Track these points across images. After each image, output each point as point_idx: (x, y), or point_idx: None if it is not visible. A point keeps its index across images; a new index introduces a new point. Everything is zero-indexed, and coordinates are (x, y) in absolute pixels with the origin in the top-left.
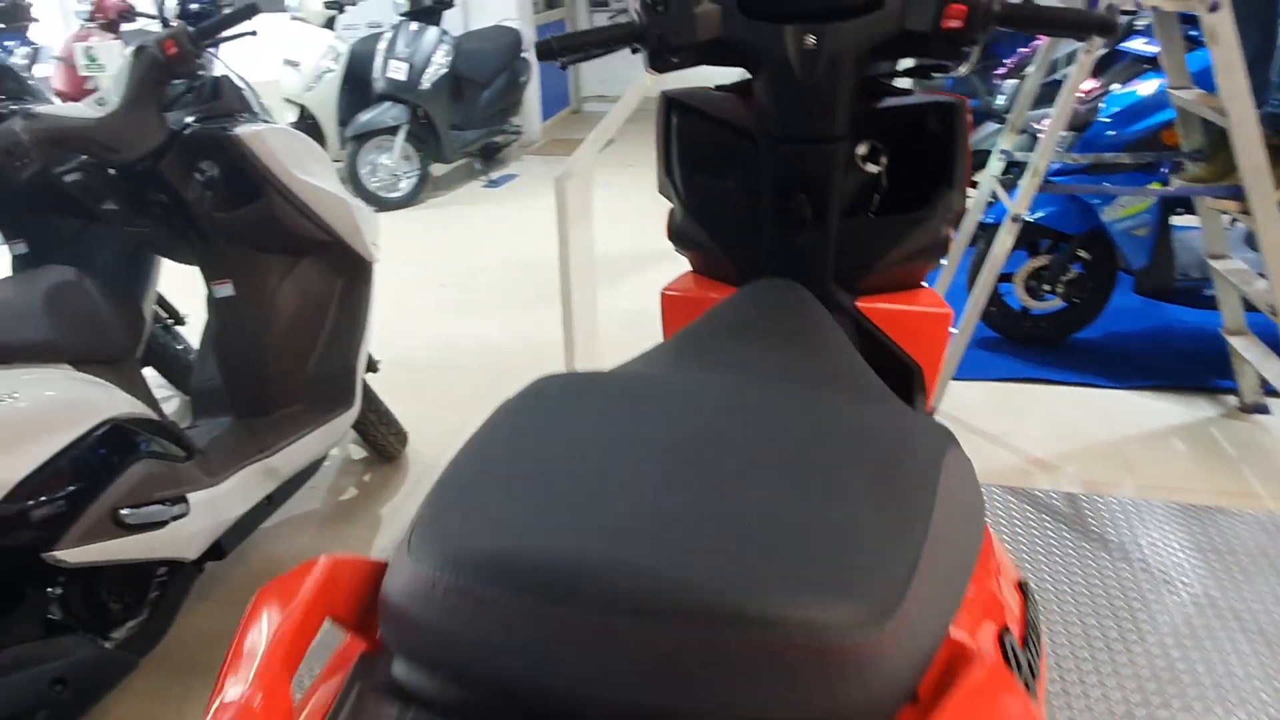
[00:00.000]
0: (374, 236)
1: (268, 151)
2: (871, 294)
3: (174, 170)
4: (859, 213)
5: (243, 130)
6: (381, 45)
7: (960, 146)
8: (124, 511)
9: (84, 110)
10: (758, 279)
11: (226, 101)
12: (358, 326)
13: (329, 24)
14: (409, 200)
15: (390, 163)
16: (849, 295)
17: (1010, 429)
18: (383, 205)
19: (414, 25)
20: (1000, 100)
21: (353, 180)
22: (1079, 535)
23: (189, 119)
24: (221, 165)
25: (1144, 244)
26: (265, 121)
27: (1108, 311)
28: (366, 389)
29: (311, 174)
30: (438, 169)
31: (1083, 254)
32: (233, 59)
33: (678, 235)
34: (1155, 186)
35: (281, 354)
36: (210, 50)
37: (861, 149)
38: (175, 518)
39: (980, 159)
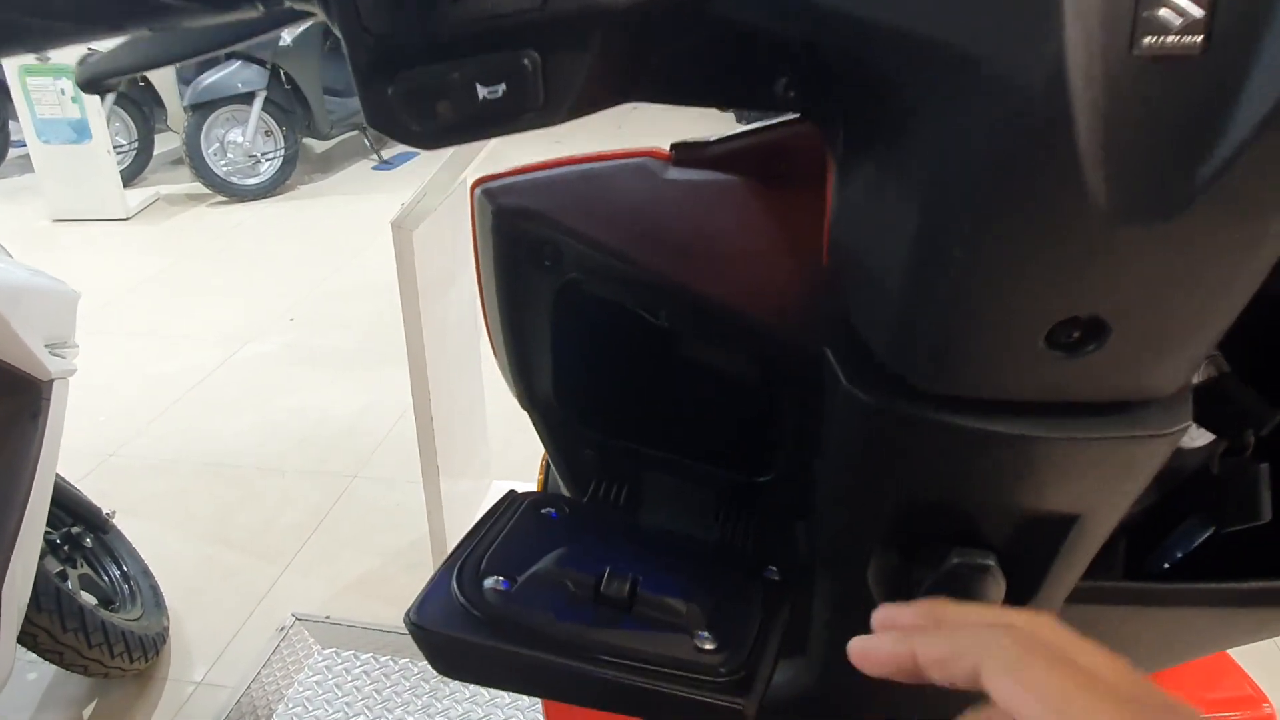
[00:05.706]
0: (64, 332)
1: None
2: None
3: None
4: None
5: None
6: None
7: None
8: None
9: None
10: None
11: None
12: (13, 501)
13: None
14: (271, 188)
15: (245, 140)
16: None
17: None
18: (238, 195)
19: None
20: None
21: (196, 163)
22: None
23: None
24: None
25: None
26: None
27: None
28: (100, 550)
29: None
30: (315, 144)
31: None
32: None
33: None
34: None
35: None
36: None
37: None
38: None
39: None
